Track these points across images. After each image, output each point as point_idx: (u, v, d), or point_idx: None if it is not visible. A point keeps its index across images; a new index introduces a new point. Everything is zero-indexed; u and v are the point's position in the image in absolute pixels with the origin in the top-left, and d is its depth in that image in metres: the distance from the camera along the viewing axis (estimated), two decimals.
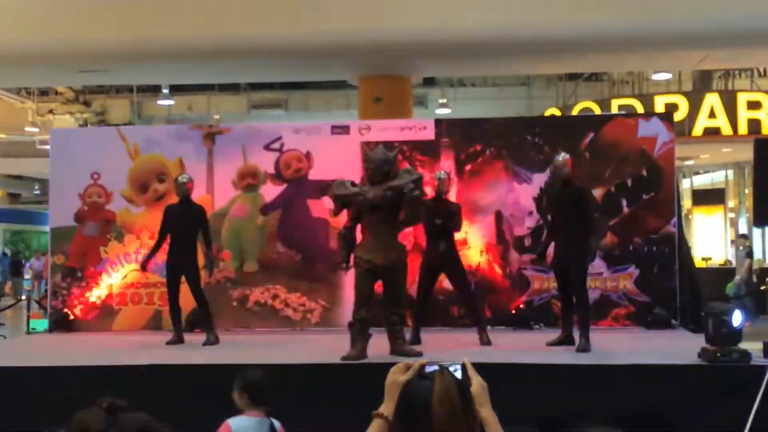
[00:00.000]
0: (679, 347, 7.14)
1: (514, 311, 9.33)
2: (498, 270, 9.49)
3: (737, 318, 6.08)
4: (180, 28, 10.64)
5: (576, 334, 7.31)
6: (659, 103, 16.62)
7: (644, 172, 9.44)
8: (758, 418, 5.56)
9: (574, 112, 17.55)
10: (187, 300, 8.30)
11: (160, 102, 21.92)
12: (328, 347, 7.29)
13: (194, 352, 7.66)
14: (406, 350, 6.81)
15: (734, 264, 16.17)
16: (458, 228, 8.03)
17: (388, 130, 9.74)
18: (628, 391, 6.07)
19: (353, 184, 7.16)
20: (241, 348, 7.71)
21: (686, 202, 19.88)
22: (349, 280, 8.04)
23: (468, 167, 9.60)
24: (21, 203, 32.55)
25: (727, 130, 16.46)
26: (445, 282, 8.31)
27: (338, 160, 9.32)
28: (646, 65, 15.81)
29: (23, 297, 14.55)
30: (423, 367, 1.93)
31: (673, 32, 10.59)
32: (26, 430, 5.84)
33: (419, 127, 9.78)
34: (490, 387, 1.97)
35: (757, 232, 18.75)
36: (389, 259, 6.87)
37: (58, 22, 10.70)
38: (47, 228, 10.39)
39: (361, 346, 6.74)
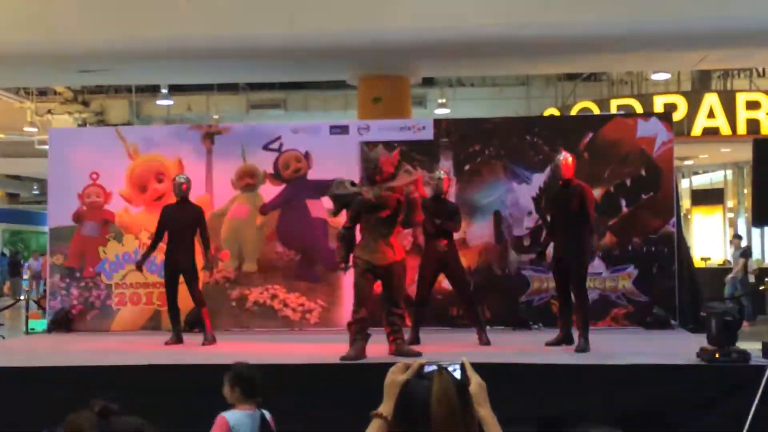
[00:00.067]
0: (678, 347, 7.15)
1: (513, 311, 9.32)
2: (497, 270, 9.49)
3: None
4: (179, 28, 10.63)
5: (575, 334, 7.31)
6: (658, 103, 16.63)
7: (643, 172, 9.45)
8: (757, 418, 5.56)
9: (573, 112, 17.56)
10: (185, 300, 8.30)
11: (159, 102, 21.91)
12: (327, 347, 7.29)
13: (193, 352, 7.65)
14: (405, 350, 6.81)
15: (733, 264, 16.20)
16: (457, 228, 8.03)
17: (387, 130, 9.73)
18: (627, 391, 6.07)
19: (353, 183, 7.15)
20: (241, 348, 7.70)
21: (685, 202, 19.89)
22: (347, 280, 8.04)
23: (467, 167, 9.60)
24: (20, 203, 32.54)
25: (726, 130, 16.47)
26: (444, 282, 8.31)
27: (337, 160, 9.32)
28: (645, 65, 15.81)
29: (22, 297, 14.53)
30: (422, 367, 1.93)
31: (672, 32, 10.59)
32: (25, 431, 5.83)
33: (418, 127, 9.78)
34: (489, 387, 1.97)
35: (756, 232, 18.76)
36: (388, 259, 6.87)
37: (57, 21, 10.69)
38: (46, 228, 10.38)
39: (360, 346, 6.74)
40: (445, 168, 9.19)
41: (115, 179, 9.82)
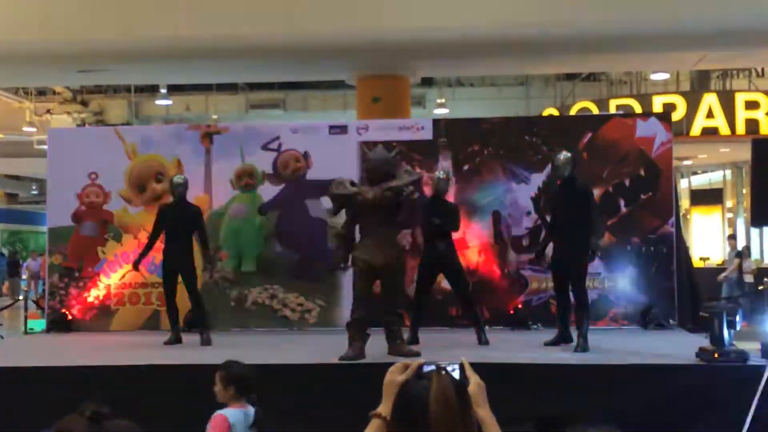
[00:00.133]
0: (676, 347, 7.15)
1: (512, 311, 9.33)
2: (496, 270, 9.49)
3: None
4: (178, 28, 10.63)
5: (574, 334, 7.31)
6: (657, 103, 16.64)
7: (642, 172, 9.45)
8: (756, 418, 5.56)
9: (572, 112, 17.56)
10: (184, 300, 8.30)
11: (158, 102, 21.92)
12: (326, 347, 7.29)
13: (192, 352, 7.65)
14: (404, 350, 6.81)
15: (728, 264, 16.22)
16: (456, 228, 8.03)
17: (386, 130, 9.74)
18: (626, 391, 6.08)
19: (352, 183, 7.15)
20: (240, 348, 7.69)
21: (684, 202, 19.90)
22: (347, 280, 8.06)
23: (466, 167, 9.60)
24: (18, 203, 32.51)
25: (725, 130, 16.48)
26: (443, 282, 8.31)
27: (336, 160, 9.32)
28: (644, 65, 15.83)
29: (21, 297, 14.52)
30: (421, 367, 1.93)
31: (671, 32, 10.59)
32: (24, 431, 5.83)
33: (417, 127, 9.78)
34: (489, 387, 1.96)
35: (755, 232, 18.76)
36: (387, 259, 6.86)
37: (56, 21, 10.69)
38: (45, 228, 10.37)
39: (359, 346, 6.74)
40: (444, 168, 9.19)
41: (114, 179, 9.81)
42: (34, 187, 29.91)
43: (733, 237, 16.49)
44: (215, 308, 9.33)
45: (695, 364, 6.20)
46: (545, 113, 18.16)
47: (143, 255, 8.45)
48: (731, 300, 12.76)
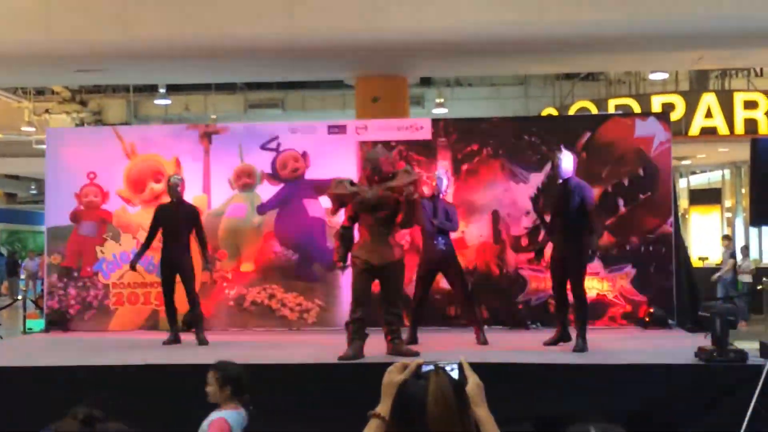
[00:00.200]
0: (675, 347, 7.16)
1: (511, 311, 9.33)
2: (495, 270, 9.49)
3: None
4: (177, 28, 10.62)
5: (572, 333, 7.30)
6: (656, 103, 16.63)
7: (641, 172, 9.45)
8: (755, 418, 5.57)
9: (571, 111, 17.55)
10: (183, 300, 8.30)
11: (157, 102, 21.88)
12: (325, 347, 7.29)
13: (191, 351, 7.65)
14: (403, 350, 6.81)
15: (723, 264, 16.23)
16: (455, 228, 8.03)
17: (385, 129, 9.74)
18: (625, 391, 6.08)
19: (352, 183, 7.15)
20: (239, 348, 7.70)
21: (683, 202, 19.89)
22: (345, 279, 8.05)
23: (465, 167, 9.60)
24: (17, 203, 32.49)
25: (723, 129, 16.47)
26: (442, 282, 8.31)
27: (335, 160, 9.33)
28: (643, 65, 15.81)
29: (19, 297, 14.51)
30: (420, 366, 1.93)
31: (669, 32, 10.59)
32: (22, 431, 5.82)
33: (416, 126, 9.78)
34: (487, 387, 1.96)
35: (753, 232, 18.76)
36: (387, 258, 6.86)
37: (55, 21, 10.68)
38: (43, 228, 10.37)
39: (358, 345, 6.74)
40: (443, 168, 9.19)
41: (113, 179, 9.81)
42: (32, 187, 29.88)
43: (727, 237, 16.50)
44: (214, 308, 9.34)
45: (694, 363, 6.20)
46: (544, 113, 18.15)
47: (140, 255, 8.45)
48: (726, 300, 12.79)
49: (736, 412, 5.64)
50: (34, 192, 29.69)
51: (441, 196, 8.02)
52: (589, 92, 20.77)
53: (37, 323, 10.97)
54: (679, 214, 11.11)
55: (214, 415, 4.18)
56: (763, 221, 7.36)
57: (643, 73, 19.44)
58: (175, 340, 8.18)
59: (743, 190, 19.89)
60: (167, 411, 5.91)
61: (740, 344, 6.40)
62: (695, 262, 14.92)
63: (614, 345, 7.59)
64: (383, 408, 1.93)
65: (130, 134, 10.28)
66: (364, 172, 7.18)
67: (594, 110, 17.16)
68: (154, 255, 8.69)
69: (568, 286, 7.35)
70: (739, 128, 16.33)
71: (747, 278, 15.12)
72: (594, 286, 9.10)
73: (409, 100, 13.76)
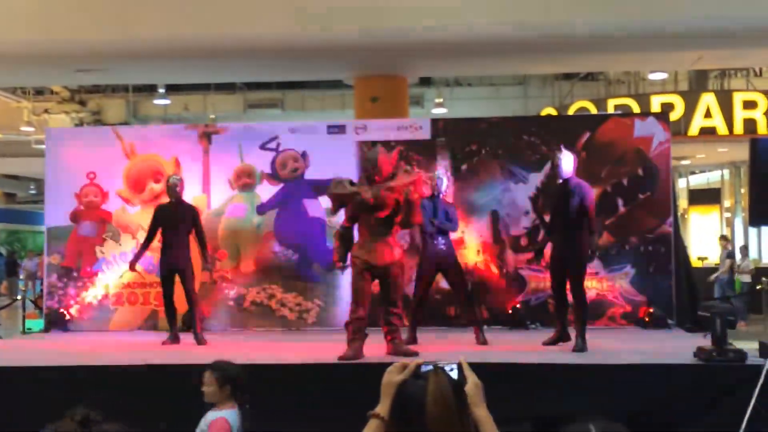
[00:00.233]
0: (675, 347, 7.16)
1: (510, 311, 9.33)
2: (494, 270, 9.49)
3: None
4: (176, 28, 10.62)
5: (571, 333, 7.30)
6: (655, 103, 16.62)
7: (640, 172, 9.45)
8: (754, 418, 5.57)
9: (571, 111, 17.55)
10: (183, 300, 8.30)
11: (156, 102, 21.86)
12: (324, 347, 7.29)
13: (190, 351, 7.64)
14: (402, 350, 6.81)
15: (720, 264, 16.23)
16: (455, 228, 8.03)
17: (384, 129, 9.74)
18: (624, 391, 6.08)
19: (351, 183, 7.15)
20: (238, 348, 7.70)
21: (682, 202, 19.89)
22: (345, 279, 8.05)
23: (464, 167, 9.60)
24: (17, 203, 32.47)
25: (723, 129, 16.47)
26: (441, 282, 8.31)
27: (334, 160, 9.32)
28: (642, 65, 15.81)
29: (19, 297, 14.50)
30: (419, 366, 1.93)
31: (669, 32, 10.59)
32: (21, 431, 5.82)
33: (415, 126, 9.78)
34: (487, 387, 1.96)
35: (753, 232, 18.76)
36: (386, 259, 6.86)
37: (54, 21, 10.67)
38: (43, 228, 10.37)
39: (357, 345, 6.74)
40: (442, 167, 9.19)
41: (112, 179, 9.81)
42: (32, 187, 29.85)
43: (724, 237, 16.50)
44: (213, 308, 9.35)
45: (693, 363, 6.20)
46: (543, 113, 18.15)
47: (139, 256, 8.45)
48: (723, 301, 12.79)
49: (735, 412, 5.64)
50: (34, 192, 29.67)
51: (441, 196, 8.02)
52: (588, 92, 20.77)
53: (37, 323, 10.96)
54: (679, 214, 11.10)
55: (214, 415, 4.19)
56: (763, 221, 7.36)
57: (643, 73, 19.44)
58: (174, 340, 8.18)
59: (742, 190, 19.90)
60: (167, 411, 5.91)
61: (739, 344, 6.39)
62: (694, 262, 14.92)
63: (614, 345, 7.59)
64: (383, 408, 1.93)
65: (130, 134, 10.29)
66: (364, 172, 7.18)
67: (593, 110, 17.16)
68: (154, 255, 8.69)
69: (568, 286, 7.35)
70: (739, 128, 16.33)
71: (746, 278, 15.11)
72: (593, 286, 9.10)
73: (408, 100, 13.76)
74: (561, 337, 7.43)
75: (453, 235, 8.12)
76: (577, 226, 7.23)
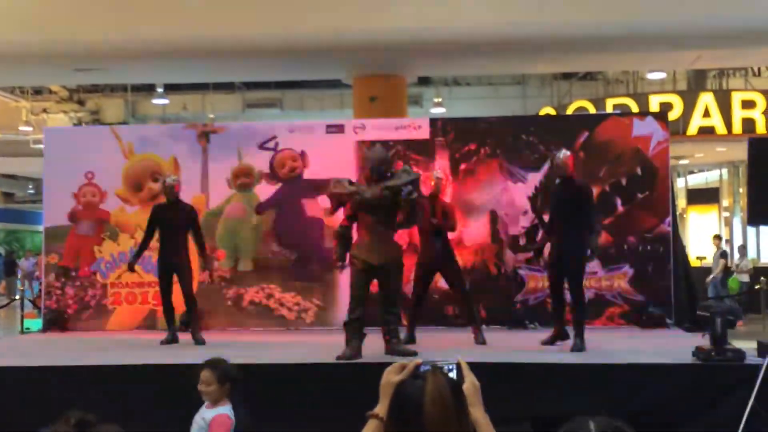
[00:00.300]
0: (673, 346, 7.15)
1: (509, 311, 9.32)
2: (493, 269, 9.49)
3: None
4: (175, 27, 10.62)
5: (570, 333, 7.29)
6: (654, 103, 16.63)
7: (639, 171, 9.46)
8: (753, 417, 5.57)
9: (569, 111, 17.55)
10: (181, 300, 8.29)
11: (155, 101, 21.86)
12: (322, 347, 7.28)
13: (189, 351, 7.63)
14: (401, 350, 6.80)
15: (732, 264, 16.25)
16: (453, 228, 8.03)
17: (383, 129, 9.74)
18: (622, 391, 6.08)
19: (351, 182, 7.15)
20: (237, 347, 7.69)
21: (681, 202, 19.90)
22: (343, 279, 8.04)
23: (463, 166, 9.60)
24: (15, 203, 32.47)
25: (721, 129, 16.47)
26: (440, 281, 8.31)
27: (333, 160, 9.32)
28: (641, 64, 15.82)
29: (17, 297, 14.49)
30: (418, 367, 1.92)
31: (667, 32, 10.60)
32: (20, 431, 5.82)
33: (414, 126, 9.78)
34: (485, 386, 1.96)
35: (751, 231, 18.78)
36: (385, 258, 6.85)
37: (53, 20, 10.67)
38: (41, 227, 10.36)
39: (355, 345, 6.73)
40: (441, 167, 9.19)
41: (111, 178, 9.80)
42: (30, 187, 29.85)
43: (717, 237, 16.51)
44: (212, 308, 9.34)
45: (692, 363, 6.20)
46: (542, 112, 18.14)
47: (137, 256, 8.44)
48: (717, 300, 12.80)
49: (734, 411, 5.64)
50: (32, 192, 29.68)
51: (439, 195, 8.02)
52: (587, 92, 20.78)
53: (35, 323, 10.95)
54: (677, 213, 11.10)
55: (213, 412, 4.19)
56: (761, 220, 7.36)
57: (641, 72, 19.45)
58: (172, 339, 8.17)
59: (741, 190, 19.91)
60: (166, 411, 5.90)
61: (738, 344, 6.39)
62: (693, 262, 14.92)
63: (612, 345, 7.59)
64: (381, 409, 1.92)
65: (128, 134, 10.27)
66: (363, 171, 7.17)
67: (592, 110, 17.16)
68: (152, 255, 8.68)
69: (566, 286, 7.34)
70: (737, 128, 16.34)
71: (744, 278, 15.13)
72: (592, 285, 9.09)
73: (407, 99, 13.76)
74: (559, 336, 7.42)
75: (451, 235, 8.11)
76: (576, 225, 7.22)
